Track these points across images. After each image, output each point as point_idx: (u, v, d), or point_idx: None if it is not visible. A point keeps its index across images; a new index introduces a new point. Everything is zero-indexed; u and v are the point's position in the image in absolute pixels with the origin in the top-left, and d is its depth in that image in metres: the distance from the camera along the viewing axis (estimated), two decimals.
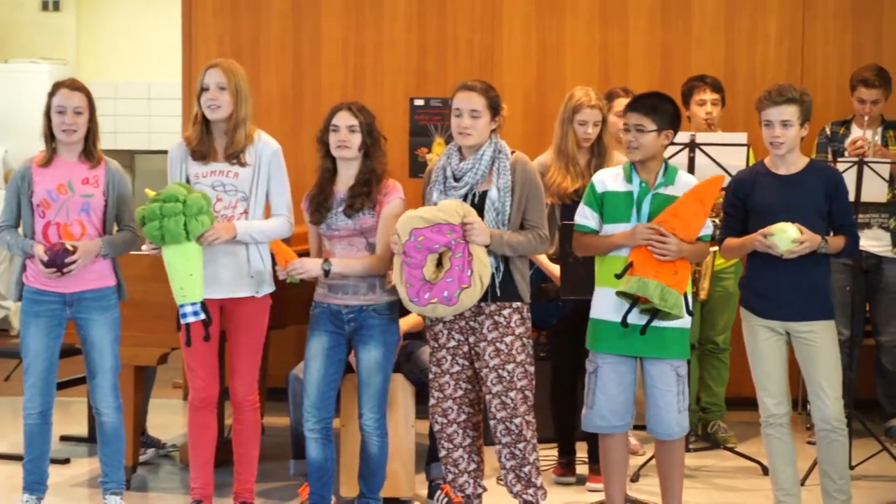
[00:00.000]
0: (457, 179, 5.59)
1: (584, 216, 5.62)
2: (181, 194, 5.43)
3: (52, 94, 5.72)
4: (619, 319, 5.43)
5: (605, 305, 5.55)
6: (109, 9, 11.59)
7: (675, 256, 5.35)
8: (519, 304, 5.59)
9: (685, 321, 5.52)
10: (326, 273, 5.54)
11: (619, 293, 5.41)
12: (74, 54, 11.52)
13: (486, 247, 5.43)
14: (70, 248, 5.56)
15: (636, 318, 5.41)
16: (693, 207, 5.41)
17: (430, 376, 5.70)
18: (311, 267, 5.55)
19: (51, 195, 5.66)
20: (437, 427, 5.73)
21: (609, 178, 5.65)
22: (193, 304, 5.46)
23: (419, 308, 5.44)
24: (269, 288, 5.78)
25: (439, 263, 5.40)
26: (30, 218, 5.68)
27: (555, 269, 6.37)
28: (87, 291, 5.70)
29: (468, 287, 5.37)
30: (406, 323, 6.22)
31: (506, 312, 5.55)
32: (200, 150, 5.70)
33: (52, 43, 11.44)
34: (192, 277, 5.45)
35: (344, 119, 5.67)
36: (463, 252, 5.38)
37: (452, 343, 5.62)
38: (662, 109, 5.56)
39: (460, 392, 5.66)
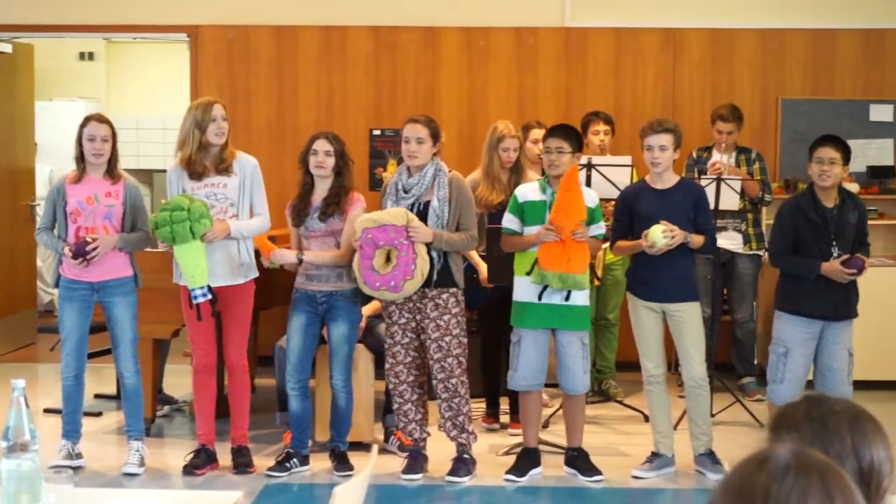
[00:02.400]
0: (406, 192, 5.54)
1: (510, 221, 5.61)
2: (185, 204, 5.35)
3: (83, 126, 5.60)
4: (536, 300, 5.44)
5: (523, 290, 5.53)
6: (132, 59, 11.51)
7: (581, 237, 5.33)
8: (455, 289, 5.55)
9: (585, 300, 5.50)
10: (300, 261, 5.52)
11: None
12: (105, 94, 11.41)
13: (429, 244, 5.37)
14: (89, 240, 5.46)
15: (555, 297, 5.41)
16: (565, 198, 5.40)
17: (385, 346, 5.64)
18: (288, 255, 5.53)
19: (81, 205, 5.54)
20: (391, 386, 5.68)
21: (528, 191, 5.64)
22: (202, 287, 5.41)
23: (370, 291, 5.42)
24: (253, 274, 5.69)
25: (388, 259, 5.35)
26: (63, 222, 5.57)
27: (481, 263, 6.33)
28: (110, 280, 5.60)
29: (411, 279, 5.34)
30: (368, 308, 6.15)
31: (444, 296, 5.50)
32: (198, 170, 5.58)
33: (87, 85, 11.33)
34: (198, 267, 5.39)
35: (322, 145, 5.60)
36: (408, 251, 5.33)
37: (403, 320, 5.56)
38: (574, 136, 5.60)
39: (409, 358, 5.60)
